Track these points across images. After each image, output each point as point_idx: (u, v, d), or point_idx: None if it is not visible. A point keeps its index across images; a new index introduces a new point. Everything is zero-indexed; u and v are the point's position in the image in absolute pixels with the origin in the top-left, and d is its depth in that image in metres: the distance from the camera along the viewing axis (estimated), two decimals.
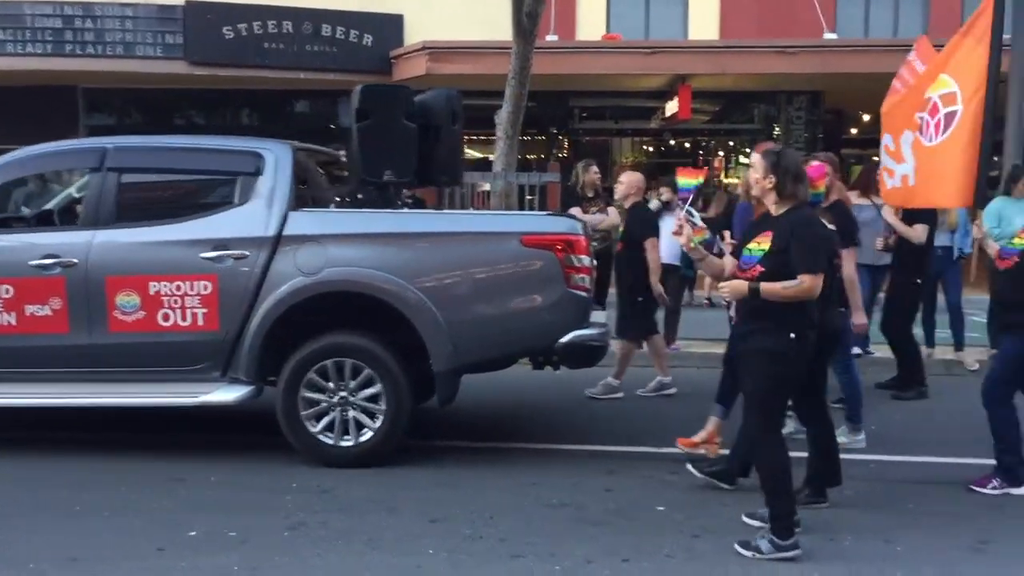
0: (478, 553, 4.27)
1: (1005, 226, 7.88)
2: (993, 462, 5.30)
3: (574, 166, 8.92)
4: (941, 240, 8.61)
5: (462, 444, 6.19)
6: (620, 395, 7.57)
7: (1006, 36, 12.25)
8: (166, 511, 4.81)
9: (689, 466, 5.31)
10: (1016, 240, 5.31)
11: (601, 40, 17.41)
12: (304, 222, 5.61)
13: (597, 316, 6.06)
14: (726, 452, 5.39)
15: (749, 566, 4.14)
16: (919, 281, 7.77)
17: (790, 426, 6.10)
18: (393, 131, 6.29)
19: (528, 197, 10.96)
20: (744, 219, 8.55)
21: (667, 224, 9.02)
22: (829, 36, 16.83)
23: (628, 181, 7.62)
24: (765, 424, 4.29)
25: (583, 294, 5.54)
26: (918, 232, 7.59)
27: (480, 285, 5.51)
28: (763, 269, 4.24)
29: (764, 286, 4.19)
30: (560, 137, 19.55)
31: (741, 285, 4.24)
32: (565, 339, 5.48)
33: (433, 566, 4.13)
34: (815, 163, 5.14)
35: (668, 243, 9.06)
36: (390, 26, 17.35)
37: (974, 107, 5.72)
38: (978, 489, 5.23)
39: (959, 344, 8.82)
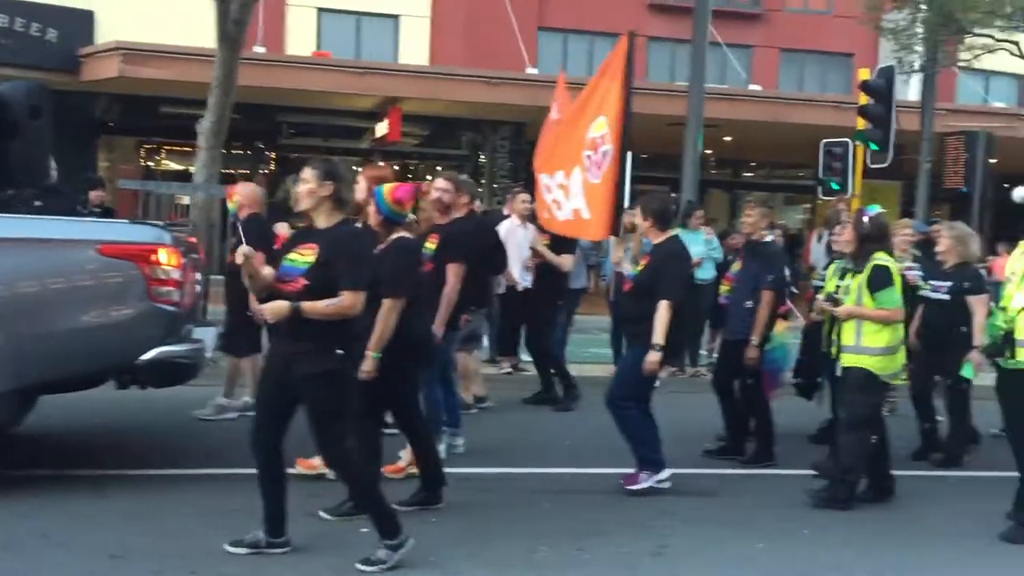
0: None
1: None
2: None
3: (283, 180, 8.70)
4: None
5: (142, 472, 5.74)
6: (233, 416, 7.07)
7: (683, 83, 13.54)
8: None
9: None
10: (637, 268, 5.94)
11: (311, 56, 17.18)
12: None
13: (202, 332, 5.80)
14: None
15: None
16: (560, 303, 8.31)
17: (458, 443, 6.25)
18: None
19: None
20: None
21: None
22: (531, 71, 17.73)
23: (243, 193, 7.01)
24: (337, 444, 4.22)
25: (170, 308, 5.21)
26: (566, 262, 8.08)
27: (49, 297, 5.03)
28: (307, 282, 4.10)
29: (306, 306, 4.05)
30: (267, 152, 19.00)
31: (282, 307, 4.07)
32: (148, 356, 5.15)
33: None
34: (405, 184, 5.17)
35: None
36: (79, 21, 16.06)
37: (614, 142, 6.17)
38: (631, 487, 5.66)
39: None
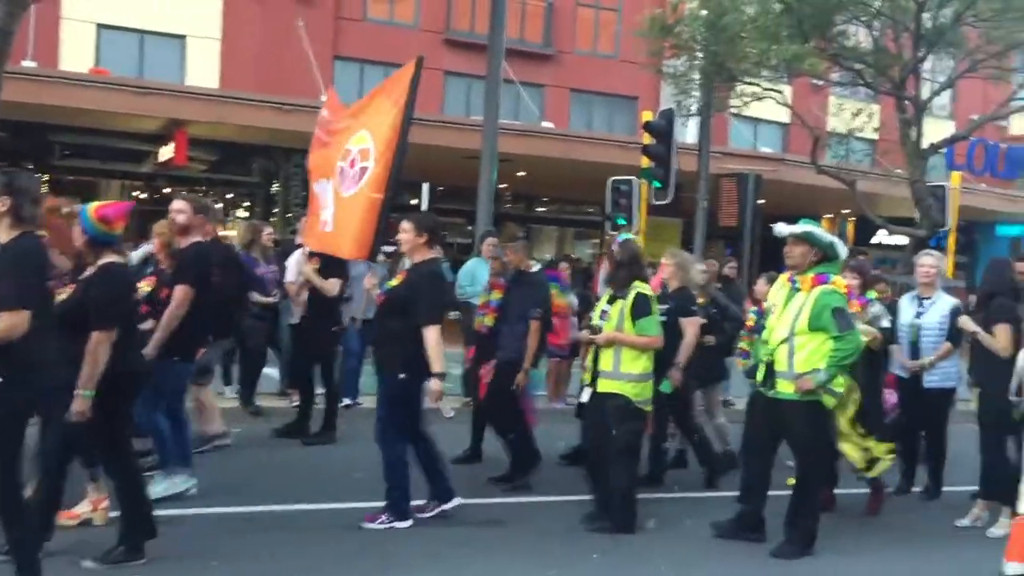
0: None
1: (476, 283, 8.71)
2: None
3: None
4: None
5: None
6: None
7: (478, 118, 13.77)
8: None
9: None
10: (390, 282, 5.79)
11: (87, 73, 16.16)
12: None
13: None
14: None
15: None
16: (335, 329, 8.03)
17: (179, 486, 5.82)
18: None
19: None
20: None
21: None
22: (325, 99, 17.47)
23: None
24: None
25: None
26: (332, 286, 7.74)
27: None
28: None
29: None
30: (38, 173, 17.64)
31: None
32: None
33: None
34: (116, 203, 4.83)
35: None
36: None
37: (382, 165, 5.82)
38: (368, 525, 5.50)
39: None
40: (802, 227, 5.55)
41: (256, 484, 6.34)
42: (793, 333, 5.45)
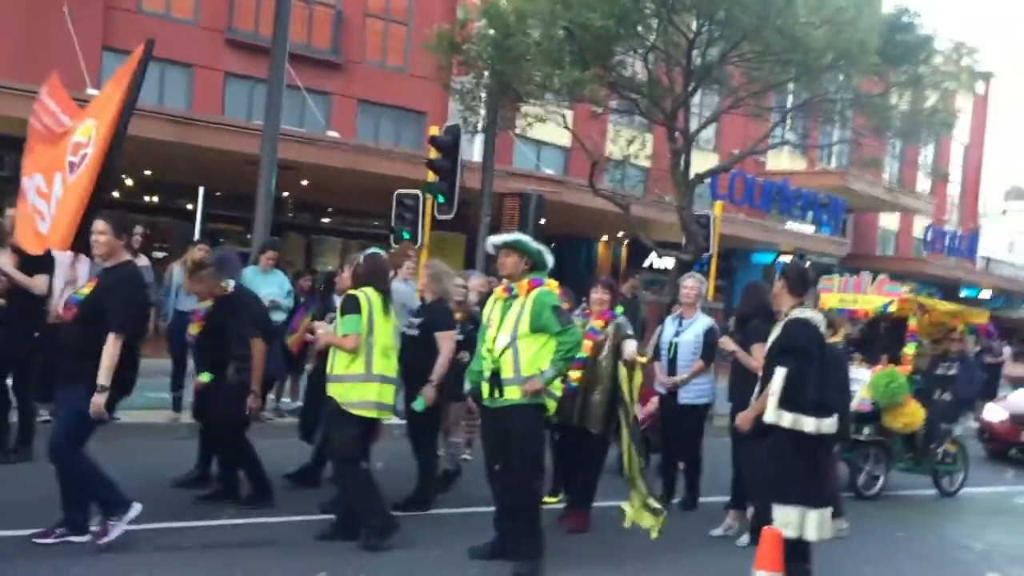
0: None
1: None
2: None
3: None
4: (190, 304, 8.75)
5: None
6: None
7: (258, 121, 13.28)
8: None
9: None
10: (81, 291, 5.45)
11: None
12: None
13: None
14: None
15: None
16: (37, 334, 7.14)
17: None
18: None
19: None
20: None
21: None
22: (92, 92, 16.32)
23: None
24: None
25: None
26: (39, 283, 7.01)
27: None
28: None
29: None
30: None
31: None
32: None
33: None
34: None
35: None
36: None
37: (97, 151, 5.50)
38: (104, 540, 5.19)
39: None
40: (512, 236, 5.77)
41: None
42: (516, 338, 5.55)
